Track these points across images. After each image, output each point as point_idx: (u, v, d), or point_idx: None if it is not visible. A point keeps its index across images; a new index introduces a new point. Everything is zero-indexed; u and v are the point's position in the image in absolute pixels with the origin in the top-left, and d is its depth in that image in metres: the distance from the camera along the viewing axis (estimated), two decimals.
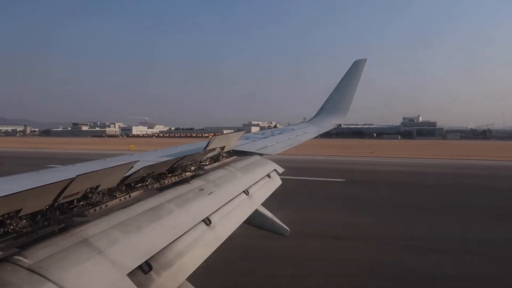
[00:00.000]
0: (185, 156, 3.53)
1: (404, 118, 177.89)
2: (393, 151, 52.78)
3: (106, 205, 2.53)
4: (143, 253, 2.18)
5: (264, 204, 4.70)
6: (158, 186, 3.21)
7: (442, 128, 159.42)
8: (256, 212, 4.38)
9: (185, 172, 3.74)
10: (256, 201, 4.20)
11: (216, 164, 4.53)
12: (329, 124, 11.00)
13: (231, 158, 5.09)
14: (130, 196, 2.82)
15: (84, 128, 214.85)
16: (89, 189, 2.37)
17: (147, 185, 3.09)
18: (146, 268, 2.13)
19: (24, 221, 1.96)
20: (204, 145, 4.25)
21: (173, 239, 2.49)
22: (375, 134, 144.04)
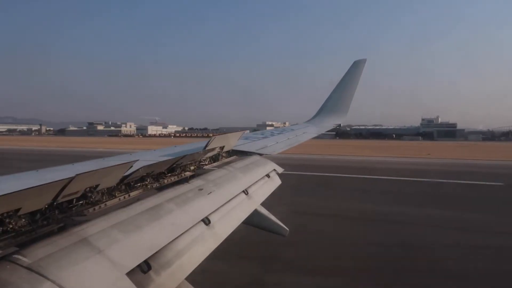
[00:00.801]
0: (184, 156, 3.53)
1: (423, 119, 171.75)
2: (446, 153, 49.87)
3: (105, 204, 2.53)
4: (142, 253, 2.18)
5: (265, 204, 4.70)
6: (157, 185, 3.21)
7: (463, 129, 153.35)
8: (256, 212, 4.38)
9: (185, 172, 3.74)
10: (255, 201, 4.19)
11: (215, 164, 4.52)
12: (329, 124, 10.99)
13: (231, 158, 5.08)
14: (129, 195, 2.82)
15: (100, 127, 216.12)
16: (88, 189, 2.37)
17: (146, 185, 3.09)
18: (145, 267, 2.12)
19: (24, 220, 1.95)
20: (204, 144, 4.25)
21: (172, 239, 2.49)
22: (394, 135, 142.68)
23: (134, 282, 1.94)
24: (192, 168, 3.91)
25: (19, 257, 1.71)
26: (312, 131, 9.57)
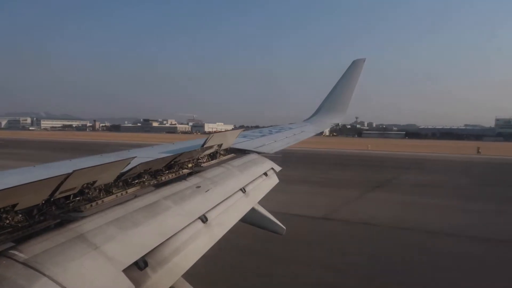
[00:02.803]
0: (182, 153, 3.52)
1: (497, 119, 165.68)
2: None
3: (102, 201, 2.52)
4: (139, 250, 2.18)
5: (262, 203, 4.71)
6: (155, 182, 3.21)
7: None
8: (253, 210, 4.38)
9: (182, 169, 3.73)
10: (253, 200, 4.20)
11: (213, 162, 4.52)
12: (327, 123, 11.01)
13: (229, 156, 5.08)
14: (127, 192, 2.82)
15: (155, 124, 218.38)
16: (85, 185, 2.36)
17: (144, 182, 3.08)
18: (142, 264, 2.13)
19: (20, 215, 1.95)
20: (202, 142, 4.25)
21: (169, 236, 2.49)
22: (464, 136, 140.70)
23: (131, 278, 1.95)
24: (190, 165, 3.91)
25: (16, 252, 1.71)
26: (310, 130, 9.58)
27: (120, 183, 2.84)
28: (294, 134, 8.50)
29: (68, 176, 2.00)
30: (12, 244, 1.77)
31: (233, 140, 5.33)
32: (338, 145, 68.94)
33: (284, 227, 5.18)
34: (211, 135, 4.23)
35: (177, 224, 2.67)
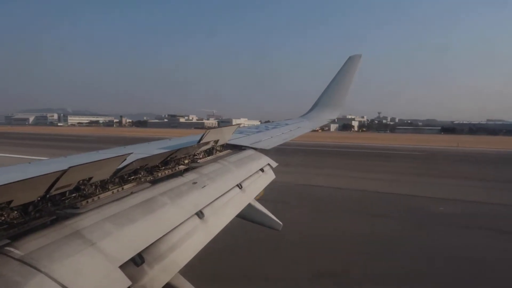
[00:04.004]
0: (178, 149, 3.52)
1: None
2: None
3: (98, 197, 2.52)
4: (135, 246, 2.18)
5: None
6: (151, 178, 3.20)
7: None
8: (249, 206, 4.40)
9: (179, 165, 3.73)
10: (249, 195, 4.21)
11: (209, 158, 4.52)
12: (324, 119, 11.03)
13: (225, 152, 5.08)
14: (123, 188, 2.81)
15: (182, 120, 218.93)
16: (81, 181, 2.35)
17: (140, 178, 3.08)
18: (138, 260, 2.13)
19: (16, 212, 1.94)
20: (198, 138, 4.25)
21: (166, 232, 2.50)
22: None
23: (127, 274, 1.95)
24: (186, 161, 3.90)
25: (11, 249, 1.70)
26: (307, 126, 9.60)
27: (116, 180, 2.83)
28: (291, 130, 8.51)
29: (63, 172, 1.99)
30: (8, 241, 1.76)
31: (229, 136, 5.33)
32: (406, 141, 65.79)
33: (281, 223, 5.21)
34: (207, 131, 4.22)
35: (174, 220, 2.67)
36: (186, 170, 3.70)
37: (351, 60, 11.71)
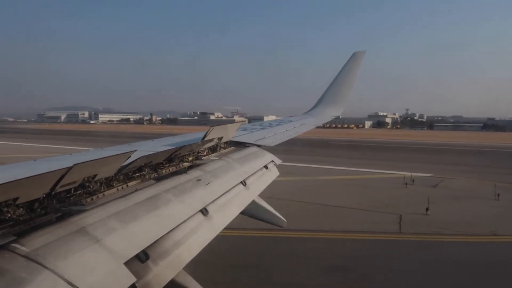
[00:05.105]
0: (183, 146, 3.52)
1: None
2: None
3: (103, 194, 2.53)
4: (140, 242, 2.19)
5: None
6: (155, 176, 3.21)
7: None
8: (253, 203, 4.39)
9: (183, 162, 3.73)
10: (253, 192, 4.20)
11: (213, 155, 4.52)
12: (327, 116, 10.98)
13: (229, 149, 5.08)
14: (127, 185, 2.82)
15: (212, 117, 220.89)
16: (86, 178, 2.36)
17: (144, 175, 3.08)
18: (143, 257, 2.13)
19: (22, 209, 1.95)
20: (202, 135, 4.24)
21: (170, 229, 2.50)
22: None
23: (132, 271, 1.96)
24: (190, 158, 3.90)
25: (17, 246, 1.71)
26: (311, 123, 9.56)
27: (121, 177, 2.84)
28: (294, 127, 8.49)
29: (68, 169, 2.00)
30: (14, 237, 1.78)
31: (233, 133, 5.32)
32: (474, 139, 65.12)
33: (285, 220, 5.19)
34: (211, 128, 4.22)
35: (178, 217, 2.68)
36: (190, 167, 3.71)
37: (355, 57, 11.63)
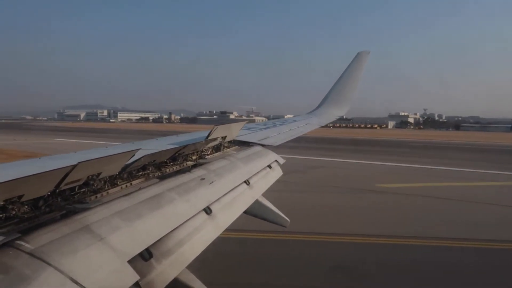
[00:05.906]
0: (186, 145, 3.53)
1: None
2: None
3: (107, 192, 2.54)
4: (143, 241, 2.20)
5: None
6: (159, 174, 3.22)
7: None
8: (257, 202, 4.39)
9: (187, 161, 3.74)
10: (257, 192, 4.20)
11: (217, 154, 4.52)
12: (331, 115, 10.95)
13: (233, 148, 5.08)
14: (131, 184, 2.83)
15: (232, 116, 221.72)
16: (90, 176, 2.37)
17: (148, 174, 3.09)
18: (146, 255, 2.14)
19: (26, 206, 1.97)
20: (206, 134, 4.25)
21: (174, 228, 2.51)
22: None
23: (136, 269, 1.96)
24: (194, 157, 3.91)
25: (22, 243, 1.72)
26: (315, 123, 9.55)
27: (125, 175, 2.84)
28: (298, 127, 8.48)
29: (73, 167, 2.01)
30: (19, 235, 1.79)
31: (237, 133, 5.33)
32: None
33: (288, 219, 5.19)
34: (215, 127, 4.22)
35: (182, 216, 2.68)
36: (194, 166, 3.71)
37: (359, 56, 11.60)
